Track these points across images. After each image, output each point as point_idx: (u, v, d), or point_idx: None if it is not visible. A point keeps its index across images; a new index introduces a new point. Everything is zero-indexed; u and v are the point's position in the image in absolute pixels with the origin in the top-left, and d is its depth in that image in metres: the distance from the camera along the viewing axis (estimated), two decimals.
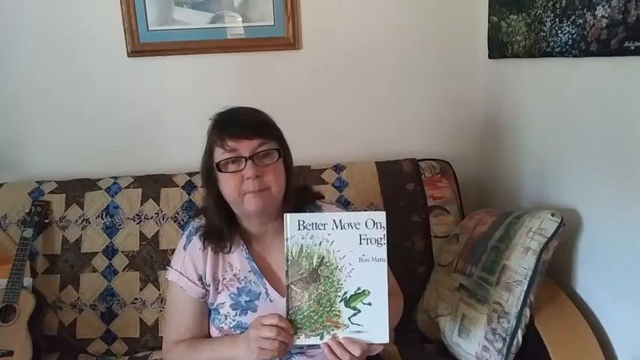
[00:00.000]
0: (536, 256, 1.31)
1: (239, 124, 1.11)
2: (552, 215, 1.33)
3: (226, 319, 1.19)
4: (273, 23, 1.83)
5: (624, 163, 1.19)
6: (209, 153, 1.14)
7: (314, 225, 1.03)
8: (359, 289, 1.04)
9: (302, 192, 1.24)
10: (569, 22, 1.31)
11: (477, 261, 1.42)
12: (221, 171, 1.11)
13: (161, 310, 1.62)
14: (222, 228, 1.17)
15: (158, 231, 1.65)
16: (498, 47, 1.74)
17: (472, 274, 1.42)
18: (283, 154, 1.14)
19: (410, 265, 1.65)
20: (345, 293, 1.04)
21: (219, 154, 1.11)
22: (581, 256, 1.39)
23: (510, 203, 1.75)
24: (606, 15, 1.15)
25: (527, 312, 1.29)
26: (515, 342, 1.29)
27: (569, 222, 1.35)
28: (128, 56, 1.82)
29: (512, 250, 1.35)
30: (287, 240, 1.04)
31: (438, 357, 1.47)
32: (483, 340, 1.32)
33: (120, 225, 1.66)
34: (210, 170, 1.14)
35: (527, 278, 1.30)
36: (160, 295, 1.63)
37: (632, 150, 1.16)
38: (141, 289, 1.63)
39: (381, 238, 1.03)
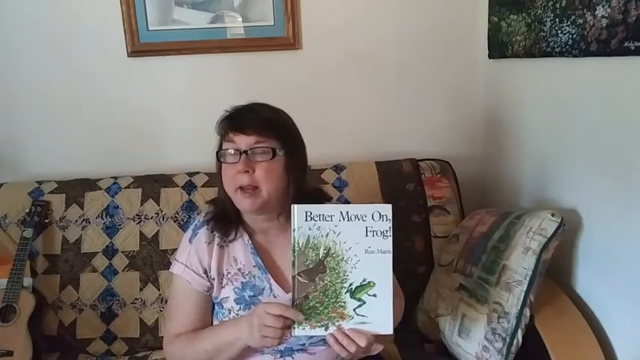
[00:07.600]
0: (536, 256, 1.31)
1: (241, 119, 1.13)
2: (552, 215, 1.33)
3: (230, 313, 1.19)
4: (273, 23, 1.83)
5: (624, 163, 1.19)
6: (219, 143, 1.18)
7: (321, 216, 1.03)
8: (364, 280, 1.04)
9: (313, 194, 1.23)
10: (569, 22, 1.31)
11: (477, 261, 1.42)
12: (220, 160, 1.14)
13: (161, 310, 1.62)
14: (230, 213, 1.18)
15: (158, 231, 1.65)
16: (498, 47, 1.74)
17: (472, 274, 1.42)
18: (286, 155, 1.14)
19: (410, 265, 1.65)
20: (351, 285, 1.04)
21: (223, 145, 1.15)
22: (581, 256, 1.39)
23: (510, 203, 1.75)
24: (606, 15, 1.15)
25: (527, 312, 1.29)
26: (515, 342, 1.29)
27: (569, 222, 1.35)
28: (128, 56, 1.82)
29: (512, 250, 1.35)
30: (294, 231, 1.03)
31: (438, 357, 1.47)
32: (483, 340, 1.32)
33: (120, 225, 1.66)
34: (217, 158, 1.18)
35: (527, 278, 1.30)
36: (160, 295, 1.63)
37: (632, 150, 1.16)
38: (141, 289, 1.63)
39: (386, 231, 1.03)
